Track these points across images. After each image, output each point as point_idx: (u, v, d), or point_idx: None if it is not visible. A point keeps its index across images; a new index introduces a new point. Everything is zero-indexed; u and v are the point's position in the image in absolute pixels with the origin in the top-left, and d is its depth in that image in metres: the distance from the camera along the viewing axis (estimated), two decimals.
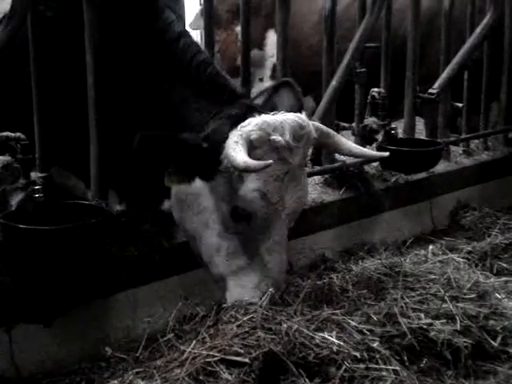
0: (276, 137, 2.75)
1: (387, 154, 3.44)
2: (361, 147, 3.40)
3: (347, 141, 3.22)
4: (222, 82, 3.07)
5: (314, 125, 2.96)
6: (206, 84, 3.03)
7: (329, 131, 3.10)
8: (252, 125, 2.76)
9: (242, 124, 2.78)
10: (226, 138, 2.77)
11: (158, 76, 3.07)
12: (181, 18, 3.46)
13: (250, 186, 2.77)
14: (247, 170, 2.69)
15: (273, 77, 5.82)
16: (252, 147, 2.73)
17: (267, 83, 5.95)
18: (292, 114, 2.89)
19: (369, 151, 3.48)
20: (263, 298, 2.71)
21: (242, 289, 2.83)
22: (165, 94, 3.05)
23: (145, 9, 3.16)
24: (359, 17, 4.30)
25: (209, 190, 2.89)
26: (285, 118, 2.82)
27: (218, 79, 3.07)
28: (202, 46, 3.60)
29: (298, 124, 2.83)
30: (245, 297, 2.79)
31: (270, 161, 2.65)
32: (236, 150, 2.69)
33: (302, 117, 2.88)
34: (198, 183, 2.90)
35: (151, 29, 3.12)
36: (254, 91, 6.09)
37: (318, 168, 4.18)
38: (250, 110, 2.89)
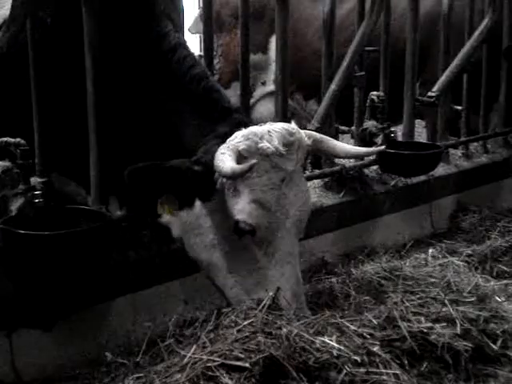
0: (264, 144, 2.75)
1: (383, 147, 3.42)
2: (356, 147, 3.40)
3: (343, 143, 3.21)
4: (216, 97, 3.03)
5: (306, 132, 2.98)
6: (199, 98, 3.01)
7: (322, 137, 3.09)
8: (239, 137, 2.76)
9: (230, 138, 2.78)
10: None
11: (153, 86, 3.05)
12: (179, 26, 3.44)
13: (247, 198, 2.76)
14: (235, 176, 2.67)
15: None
16: (241, 158, 2.72)
17: (270, 87, 5.97)
18: (280, 123, 2.91)
19: (365, 149, 3.44)
20: (263, 303, 2.70)
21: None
22: (159, 105, 3.03)
23: (141, 17, 3.14)
24: (358, 21, 4.31)
25: (209, 211, 2.86)
26: (272, 127, 2.84)
27: (211, 94, 3.04)
28: (202, 50, 3.62)
29: (286, 131, 2.84)
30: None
31: (254, 160, 2.65)
32: (223, 160, 2.69)
33: (290, 124, 2.90)
34: (198, 208, 2.88)
35: (147, 38, 3.10)
36: (257, 94, 6.19)
37: (317, 171, 4.19)
38: (241, 126, 2.87)
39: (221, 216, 2.83)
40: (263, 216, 2.76)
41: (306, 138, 2.94)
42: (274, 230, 2.80)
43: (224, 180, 2.79)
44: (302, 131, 2.95)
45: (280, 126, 2.86)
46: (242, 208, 2.76)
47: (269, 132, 2.80)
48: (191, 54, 3.19)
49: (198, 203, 2.89)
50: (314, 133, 3.09)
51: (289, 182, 2.82)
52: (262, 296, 2.74)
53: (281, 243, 2.82)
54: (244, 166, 2.64)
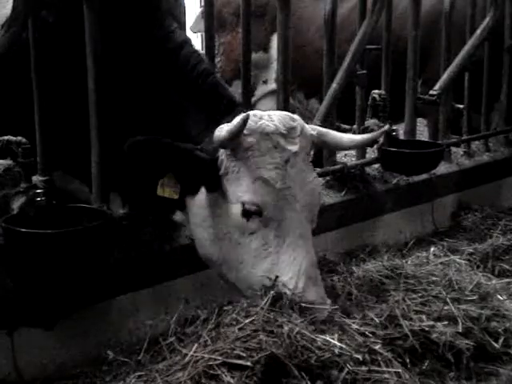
0: (263, 121, 2.78)
1: (387, 127, 3.39)
2: (361, 135, 3.40)
3: (346, 134, 3.22)
4: (222, 93, 3.08)
5: (310, 126, 3.00)
6: (206, 94, 3.03)
7: (325, 130, 3.11)
8: (238, 117, 2.75)
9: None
10: None
11: (159, 84, 3.06)
12: (182, 24, 3.46)
13: (251, 177, 2.75)
14: (232, 136, 2.69)
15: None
16: (243, 135, 2.73)
17: (271, 85, 5.97)
18: (281, 111, 2.93)
19: (369, 135, 3.41)
20: (265, 301, 2.69)
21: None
22: (165, 102, 3.05)
23: (146, 15, 3.16)
24: (359, 19, 4.31)
25: (216, 202, 2.85)
26: (273, 111, 2.89)
27: (217, 89, 3.07)
28: (203, 49, 3.62)
29: (287, 116, 2.88)
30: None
31: (247, 113, 2.69)
32: (220, 130, 2.74)
33: (292, 114, 2.92)
34: (205, 200, 2.88)
35: (152, 36, 3.12)
36: (258, 93, 6.19)
37: (319, 170, 4.18)
38: None
39: (227, 204, 2.81)
40: (268, 193, 2.75)
41: (310, 129, 2.95)
42: (281, 209, 2.76)
43: (227, 164, 2.79)
44: (307, 125, 2.95)
45: (281, 112, 2.90)
46: (246, 188, 2.76)
47: (269, 114, 2.84)
48: (197, 51, 3.22)
49: (205, 195, 2.88)
50: (318, 127, 3.11)
51: (294, 165, 2.81)
52: (277, 282, 2.70)
53: (291, 225, 2.78)
54: (237, 123, 2.66)
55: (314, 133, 2.98)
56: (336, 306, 2.79)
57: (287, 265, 2.75)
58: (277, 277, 2.72)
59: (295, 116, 2.92)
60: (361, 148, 4.42)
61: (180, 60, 3.10)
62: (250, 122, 2.74)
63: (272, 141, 2.77)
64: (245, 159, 2.76)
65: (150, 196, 3.06)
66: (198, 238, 2.97)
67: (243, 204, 2.76)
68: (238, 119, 2.69)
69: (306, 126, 2.94)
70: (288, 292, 2.69)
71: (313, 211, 2.91)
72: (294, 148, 2.82)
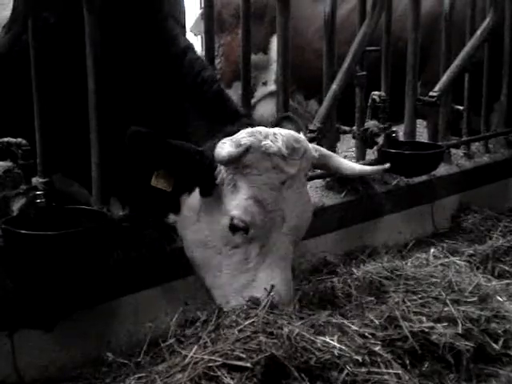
0: (267, 142, 2.76)
1: (388, 165, 3.39)
2: (362, 166, 3.40)
3: (347, 161, 3.22)
4: (226, 101, 3.08)
5: (313, 146, 3.00)
6: (210, 101, 3.03)
7: (329, 153, 3.12)
8: (243, 133, 2.78)
9: (235, 135, 2.80)
10: None
11: (162, 88, 3.06)
12: (183, 27, 3.46)
13: (245, 194, 2.76)
14: (232, 159, 2.70)
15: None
16: (244, 152, 2.73)
17: (271, 87, 5.97)
18: (288, 130, 2.92)
19: (370, 167, 3.44)
20: (264, 303, 2.70)
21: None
22: (168, 107, 3.05)
23: (148, 19, 3.15)
24: (359, 21, 4.31)
25: (207, 207, 2.87)
26: (279, 130, 2.86)
27: (222, 97, 3.08)
28: (203, 51, 3.63)
29: (292, 137, 2.85)
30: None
31: (250, 141, 2.69)
32: (222, 147, 2.73)
33: (298, 134, 2.91)
34: (197, 204, 2.90)
35: (155, 41, 3.11)
36: (258, 95, 6.19)
37: (318, 171, 4.18)
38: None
39: (218, 213, 2.83)
40: (258, 214, 2.76)
41: (313, 151, 2.95)
42: (268, 230, 2.79)
43: (224, 175, 2.80)
44: (310, 145, 2.95)
45: (288, 132, 2.88)
46: (238, 203, 2.77)
47: (275, 134, 2.82)
48: (200, 58, 3.22)
49: (198, 199, 2.89)
50: (322, 148, 3.11)
51: (290, 186, 2.81)
52: (250, 297, 2.73)
53: (275, 246, 2.81)
54: (240, 149, 2.67)
55: (317, 154, 2.97)
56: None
57: (263, 283, 2.77)
58: (273, 286, 2.74)
59: (301, 137, 2.90)
60: (360, 152, 4.44)
61: (184, 66, 3.09)
62: (253, 139, 2.74)
63: (272, 162, 2.77)
64: (242, 175, 2.76)
65: (146, 198, 3.08)
66: (186, 239, 3.00)
67: (232, 218, 2.78)
68: (242, 142, 2.69)
69: (310, 147, 2.93)
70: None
71: (299, 233, 2.93)
72: (293, 170, 2.81)
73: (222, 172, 2.82)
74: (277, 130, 2.87)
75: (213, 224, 2.85)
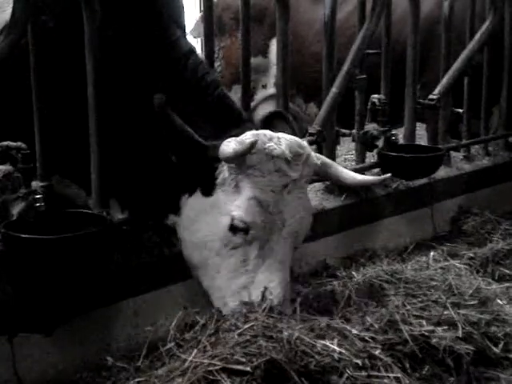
0: (271, 144, 2.79)
1: (389, 175, 3.42)
2: (364, 176, 3.41)
3: (348, 170, 3.24)
4: (230, 105, 3.11)
5: (316, 155, 3.02)
6: (213, 105, 3.05)
7: (330, 162, 3.14)
8: (248, 134, 2.81)
9: (240, 136, 2.82)
10: None
11: (165, 92, 3.05)
12: (184, 31, 3.46)
13: (247, 195, 2.78)
14: (237, 155, 2.71)
15: None
16: (249, 148, 2.74)
17: (271, 90, 5.98)
18: (292, 136, 2.94)
19: (372, 178, 3.48)
20: (263, 306, 2.70)
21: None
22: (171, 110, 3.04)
23: (149, 23, 3.14)
24: (359, 24, 4.31)
25: (207, 207, 2.89)
26: (283, 135, 2.89)
27: (225, 102, 3.10)
28: (203, 53, 3.63)
29: (296, 142, 2.88)
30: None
31: (255, 138, 2.71)
32: (227, 145, 2.75)
33: (301, 140, 2.94)
34: (197, 204, 2.91)
35: (156, 45, 3.11)
36: (258, 98, 6.19)
37: None
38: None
39: (218, 214, 2.85)
40: (259, 215, 2.77)
41: (315, 158, 2.97)
42: (268, 232, 2.80)
43: (226, 175, 2.81)
44: (313, 153, 2.98)
45: (292, 137, 2.90)
46: (239, 204, 2.78)
47: (279, 137, 2.85)
48: (203, 62, 3.24)
49: (198, 199, 2.90)
50: (324, 157, 3.14)
51: (291, 191, 2.83)
52: (247, 299, 2.75)
53: (274, 249, 2.82)
54: (245, 145, 2.68)
55: (319, 162, 3.00)
56: None
57: (261, 285, 2.77)
58: (265, 288, 2.75)
59: (304, 143, 2.94)
60: (360, 155, 4.44)
61: (187, 70, 3.10)
62: (257, 139, 2.76)
63: (275, 164, 2.79)
64: (245, 176, 2.79)
65: (146, 198, 3.08)
66: (184, 239, 3.01)
67: (232, 219, 2.79)
68: (247, 140, 2.71)
69: (313, 154, 2.97)
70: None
71: (298, 239, 2.94)
72: (295, 175, 2.84)
73: (224, 172, 2.84)
74: (281, 134, 2.89)
75: (213, 224, 2.86)
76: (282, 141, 2.84)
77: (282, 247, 2.84)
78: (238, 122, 3.02)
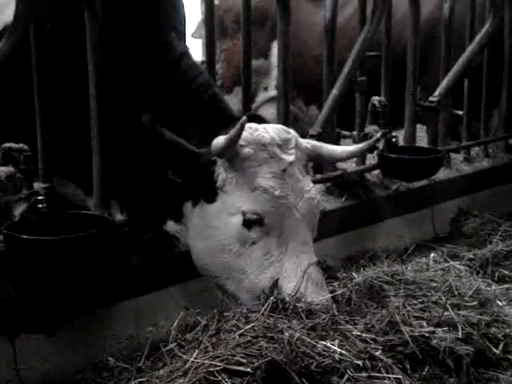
0: (259, 133, 2.83)
1: (379, 134, 3.45)
2: (355, 145, 3.43)
3: (338, 146, 3.29)
4: (221, 106, 3.12)
5: (304, 140, 3.06)
6: (204, 107, 3.06)
7: (319, 143, 3.17)
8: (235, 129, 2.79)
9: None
10: None
11: (157, 94, 3.09)
12: (181, 33, 3.47)
13: (250, 187, 2.78)
14: (230, 143, 2.73)
15: None
16: (239, 146, 2.77)
17: (272, 92, 5.99)
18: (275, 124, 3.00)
19: (361, 144, 3.48)
20: (265, 306, 2.70)
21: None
22: (163, 112, 3.05)
23: (145, 26, 3.16)
24: (360, 26, 4.32)
25: (214, 213, 2.87)
26: (267, 124, 2.95)
27: (217, 102, 3.11)
28: (204, 56, 3.64)
29: (282, 128, 2.95)
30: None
31: (244, 117, 2.72)
32: (218, 139, 2.79)
33: (286, 127, 2.99)
34: (203, 211, 2.91)
35: (150, 47, 3.13)
36: (259, 100, 6.20)
37: (319, 176, 4.20)
38: None
39: (227, 215, 2.83)
40: (268, 201, 2.77)
41: (304, 142, 3.02)
42: (282, 216, 2.78)
43: (224, 175, 2.82)
44: (301, 139, 3.02)
45: (276, 125, 2.98)
46: (245, 198, 2.79)
47: (264, 127, 2.89)
48: (195, 63, 3.25)
49: (204, 207, 2.90)
50: (310, 140, 3.18)
51: (291, 174, 2.85)
52: (285, 288, 2.72)
53: (292, 232, 2.80)
54: (236, 130, 2.69)
55: (309, 145, 3.03)
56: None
57: (292, 271, 2.75)
58: (276, 280, 2.73)
59: (289, 129, 2.99)
60: (359, 155, 4.44)
61: (179, 72, 3.12)
62: (245, 133, 2.78)
63: (268, 151, 2.82)
64: (242, 170, 2.80)
65: (147, 201, 3.09)
66: (196, 249, 2.98)
67: (244, 214, 2.78)
68: (237, 127, 2.71)
69: (300, 139, 3.01)
70: (287, 297, 2.69)
71: (312, 221, 2.93)
72: (290, 158, 2.86)
73: (221, 173, 2.85)
74: (265, 124, 2.93)
75: (225, 226, 2.83)
76: (268, 129, 2.88)
77: (300, 229, 2.82)
78: (228, 122, 3.00)
